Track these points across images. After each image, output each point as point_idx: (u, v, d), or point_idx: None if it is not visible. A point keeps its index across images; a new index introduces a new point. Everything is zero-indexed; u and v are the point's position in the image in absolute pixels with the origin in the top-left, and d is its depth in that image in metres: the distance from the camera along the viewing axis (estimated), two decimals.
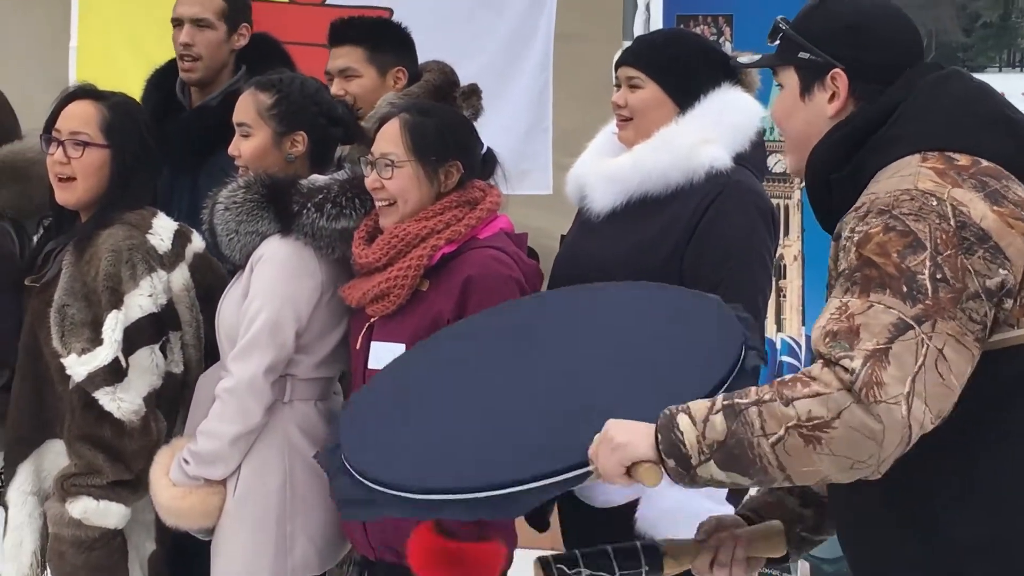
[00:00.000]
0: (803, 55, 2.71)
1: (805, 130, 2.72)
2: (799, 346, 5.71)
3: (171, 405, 3.80)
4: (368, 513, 2.89)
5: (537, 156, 5.58)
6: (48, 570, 3.82)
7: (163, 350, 3.76)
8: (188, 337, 3.84)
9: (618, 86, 3.75)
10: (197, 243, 3.84)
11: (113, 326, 3.65)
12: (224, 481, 3.68)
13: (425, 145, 3.56)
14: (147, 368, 3.71)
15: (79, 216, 3.84)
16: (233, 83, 4.51)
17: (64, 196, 3.80)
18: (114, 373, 3.65)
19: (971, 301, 2.42)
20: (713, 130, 3.63)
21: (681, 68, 3.67)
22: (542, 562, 2.75)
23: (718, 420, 2.42)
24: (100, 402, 3.65)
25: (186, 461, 3.64)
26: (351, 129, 3.88)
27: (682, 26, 5.59)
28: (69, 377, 3.69)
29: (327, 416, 3.75)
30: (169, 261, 3.78)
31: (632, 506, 3.48)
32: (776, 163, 5.23)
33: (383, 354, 3.53)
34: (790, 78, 2.75)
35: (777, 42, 2.79)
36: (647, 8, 5.60)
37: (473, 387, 2.96)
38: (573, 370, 2.91)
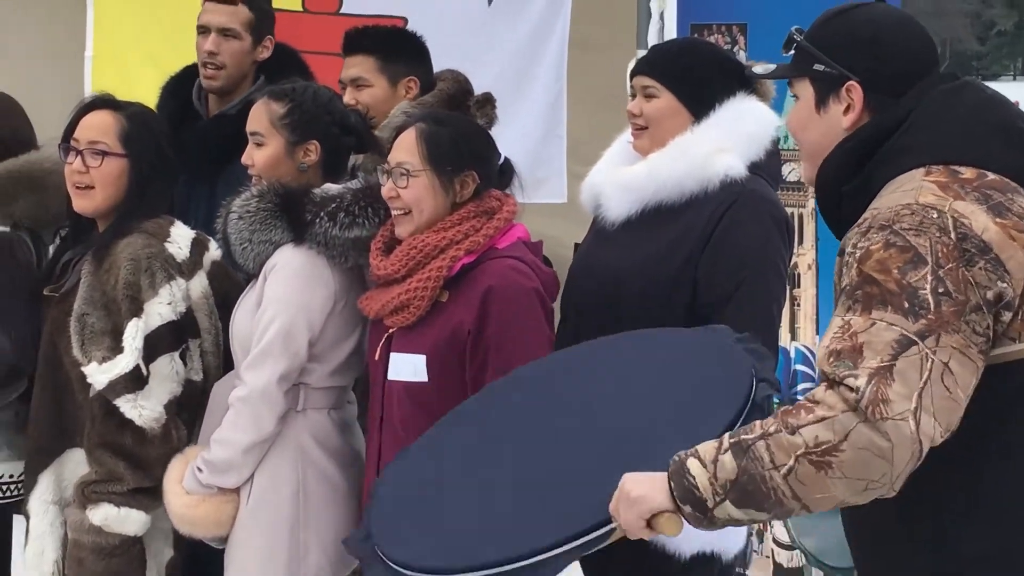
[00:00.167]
0: (818, 67, 2.71)
1: (821, 142, 2.72)
2: (813, 355, 5.70)
3: (192, 413, 3.80)
4: None
5: (551, 164, 5.59)
6: None
7: (183, 358, 3.77)
8: (207, 344, 3.86)
9: (633, 95, 3.75)
10: (214, 251, 3.85)
11: (133, 334, 3.66)
12: (237, 490, 3.68)
13: (440, 155, 3.56)
14: (167, 376, 3.73)
15: (96, 226, 3.85)
16: (252, 92, 4.52)
17: (82, 205, 3.81)
18: (135, 381, 3.66)
19: (974, 313, 2.42)
20: (728, 139, 3.63)
21: (696, 77, 3.67)
22: None
23: (727, 459, 2.42)
24: (121, 410, 3.67)
25: (199, 469, 3.64)
26: (364, 138, 3.88)
27: (696, 35, 5.60)
28: (89, 386, 3.70)
29: (340, 425, 3.76)
30: (188, 269, 3.79)
31: None
32: (791, 172, 5.22)
33: (403, 365, 3.54)
34: (805, 89, 2.75)
35: (792, 52, 2.79)
36: (661, 17, 5.60)
37: (496, 457, 2.98)
38: (591, 427, 2.92)
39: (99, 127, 3.80)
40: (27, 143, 4.15)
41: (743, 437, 2.43)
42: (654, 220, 3.63)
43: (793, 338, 5.69)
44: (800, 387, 5.68)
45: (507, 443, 3.00)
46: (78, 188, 3.80)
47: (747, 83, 3.66)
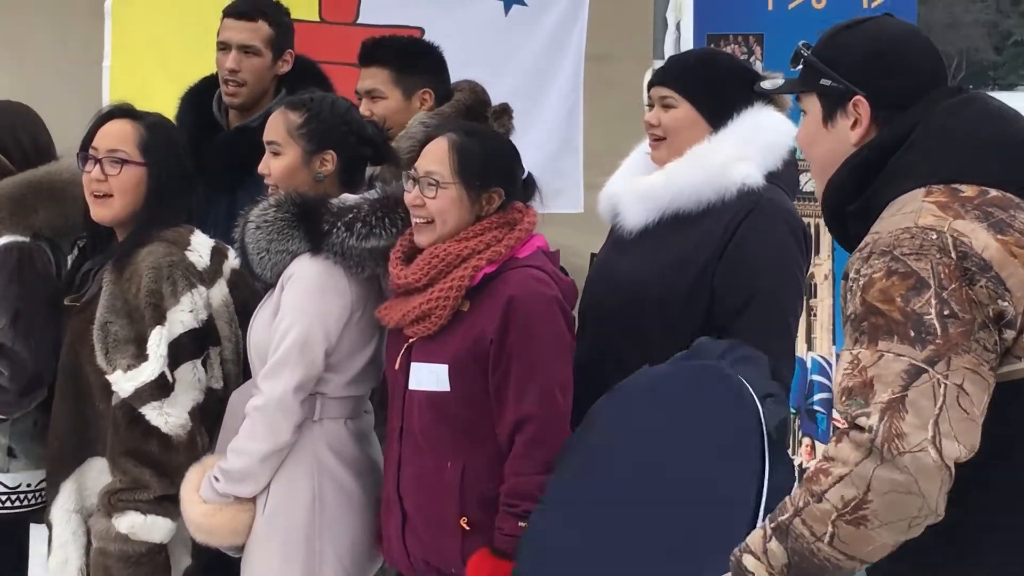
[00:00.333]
0: (825, 82, 2.70)
1: (829, 157, 2.71)
2: (829, 365, 5.70)
3: (213, 421, 3.81)
4: None
5: (567, 175, 5.58)
6: None
7: (204, 365, 3.78)
8: (227, 353, 3.87)
9: (651, 106, 3.76)
10: (234, 260, 3.86)
11: (158, 342, 3.67)
12: (254, 499, 3.68)
13: (471, 169, 3.55)
14: (190, 383, 3.74)
15: (114, 235, 3.86)
16: (273, 105, 4.53)
17: (100, 213, 3.82)
18: (161, 388, 3.68)
19: (982, 331, 2.42)
20: (745, 148, 3.63)
21: (714, 87, 3.67)
22: None
23: (775, 546, 2.46)
24: (147, 417, 3.68)
25: (216, 479, 3.65)
26: (381, 149, 3.89)
27: (712, 45, 5.60)
28: (111, 394, 3.71)
29: (357, 435, 3.76)
30: (208, 277, 3.80)
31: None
32: (807, 182, 5.21)
33: (425, 375, 3.54)
34: (813, 104, 2.74)
35: (800, 67, 2.79)
36: (678, 27, 5.61)
37: (610, 523, 3.18)
38: (642, 502, 3.15)
39: (118, 136, 3.82)
40: (46, 153, 4.16)
41: (780, 519, 2.47)
42: (671, 229, 3.64)
43: (810, 348, 5.69)
44: (817, 397, 5.67)
45: (612, 510, 3.18)
46: (96, 197, 3.81)
47: (765, 93, 3.66)
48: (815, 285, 5.62)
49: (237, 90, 4.60)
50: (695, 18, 5.64)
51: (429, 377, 3.52)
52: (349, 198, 3.73)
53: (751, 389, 3.06)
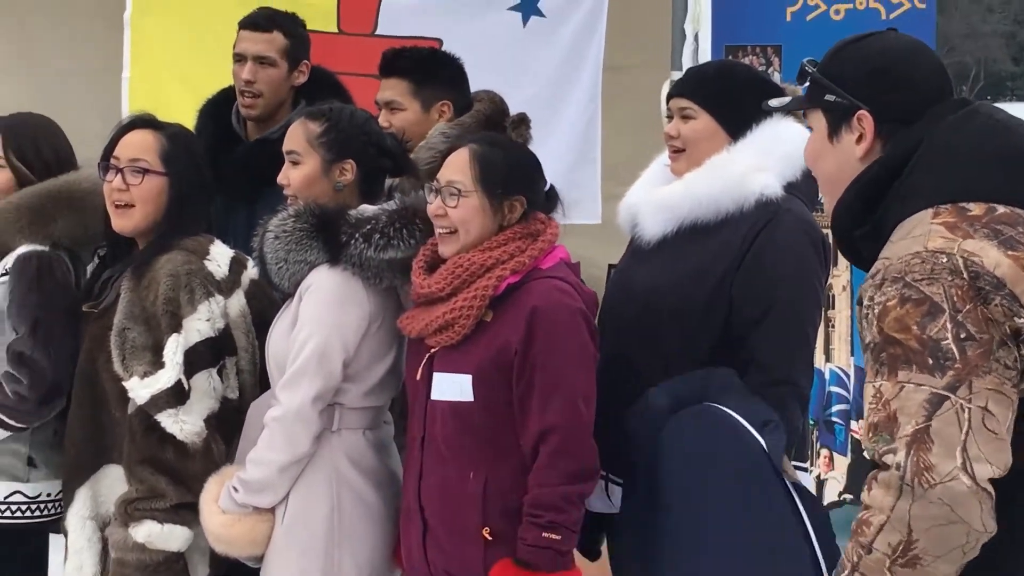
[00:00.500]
0: (829, 97, 2.70)
1: (836, 172, 2.71)
2: (847, 376, 5.69)
3: (228, 431, 3.82)
4: None
5: (585, 186, 5.58)
6: None
7: (220, 375, 3.79)
8: (244, 363, 3.88)
9: (670, 117, 3.76)
10: (252, 270, 3.87)
11: (174, 349, 3.68)
12: (273, 509, 3.68)
13: (493, 177, 3.56)
14: (205, 391, 3.75)
15: (135, 244, 3.88)
16: (292, 116, 4.54)
17: (121, 223, 3.84)
18: (177, 395, 3.68)
19: (1001, 349, 2.41)
20: (764, 159, 3.63)
21: (733, 98, 3.67)
22: None
23: None
24: (163, 424, 3.68)
25: (235, 489, 3.65)
26: (400, 160, 3.89)
27: (730, 57, 5.60)
28: (127, 402, 3.72)
29: (376, 445, 3.76)
30: (226, 287, 3.82)
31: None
32: None
33: (448, 385, 3.53)
34: (819, 120, 2.75)
35: (806, 84, 2.79)
36: (695, 39, 5.60)
37: None
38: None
39: (140, 145, 3.84)
40: (67, 164, 4.18)
41: None
42: (689, 239, 3.64)
43: (828, 359, 5.68)
44: (835, 408, 5.66)
45: None
46: (117, 207, 3.82)
47: (773, 111, 3.66)
48: (833, 296, 5.61)
49: (254, 101, 4.62)
50: (713, 29, 5.63)
51: (452, 387, 3.52)
52: (368, 209, 3.73)
53: (746, 424, 3.16)
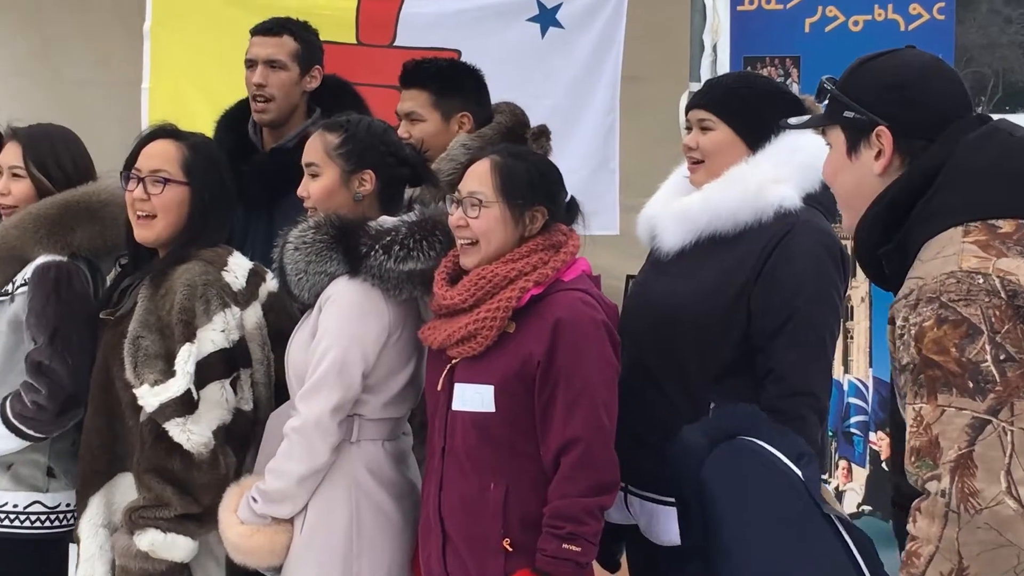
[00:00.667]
0: (848, 114, 2.70)
1: (855, 189, 2.71)
2: (866, 387, 5.67)
3: (241, 442, 3.82)
4: None
5: (604, 196, 5.58)
6: None
7: (233, 386, 3.79)
8: (258, 375, 3.87)
9: (689, 129, 3.76)
10: (271, 283, 3.87)
11: (186, 359, 3.68)
12: (291, 520, 3.69)
13: (513, 187, 3.57)
14: (217, 402, 3.74)
15: (156, 254, 3.88)
16: (308, 125, 4.55)
17: (143, 234, 3.84)
18: (185, 405, 3.68)
19: None
20: (783, 170, 3.63)
21: (752, 110, 3.67)
22: None
23: None
24: (170, 433, 3.69)
25: (254, 499, 3.65)
26: (419, 170, 3.89)
27: (749, 68, 5.59)
28: (140, 410, 3.72)
29: (395, 456, 3.76)
30: (243, 298, 3.82)
31: (696, 544, 3.49)
32: None
33: (469, 395, 3.53)
34: (837, 137, 2.74)
35: (825, 101, 2.79)
36: (714, 50, 5.59)
37: None
38: None
39: (161, 156, 3.84)
40: (87, 175, 4.20)
41: None
42: (708, 250, 3.64)
43: (846, 371, 5.66)
44: (853, 419, 5.65)
45: None
46: (140, 217, 3.83)
47: (802, 114, 3.66)
48: (851, 307, 5.60)
49: (265, 106, 4.64)
50: (731, 40, 5.63)
51: (474, 398, 3.52)
52: (387, 220, 3.73)
53: (782, 457, 3.19)
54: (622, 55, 5.66)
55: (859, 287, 5.60)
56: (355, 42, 5.79)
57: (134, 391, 3.71)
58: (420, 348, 3.72)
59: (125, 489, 3.83)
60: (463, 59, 5.10)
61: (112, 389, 3.82)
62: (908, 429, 2.46)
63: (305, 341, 3.69)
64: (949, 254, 2.49)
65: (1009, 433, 2.36)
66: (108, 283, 4.10)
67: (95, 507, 3.87)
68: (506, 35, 5.71)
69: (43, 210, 4.09)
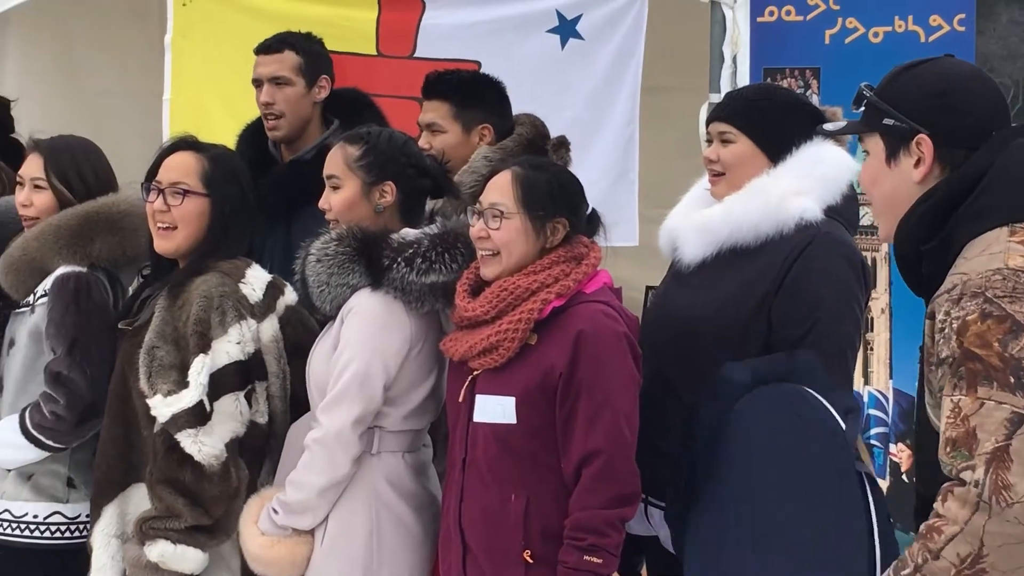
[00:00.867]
0: (888, 121, 2.70)
1: (892, 196, 2.72)
2: (886, 399, 5.66)
3: (255, 455, 3.82)
4: None
5: (623, 208, 5.58)
6: None
7: (248, 399, 3.79)
8: (274, 388, 3.87)
9: (709, 141, 3.76)
10: (290, 296, 3.88)
11: (199, 370, 3.69)
12: (312, 531, 3.69)
13: (535, 199, 3.57)
14: (230, 415, 3.75)
15: (177, 265, 3.89)
16: (326, 137, 4.57)
17: (164, 246, 3.86)
18: (197, 416, 3.69)
19: None
20: (804, 182, 3.63)
21: (773, 122, 3.67)
22: None
23: None
24: (182, 444, 3.69)
25: (275, 511, 3.66)
26: (440, 181, 3.89)
27: (769, 79, 5.59)
28: (154, 419, 3.73)
29: (415, 468, 3.76)
30: (260, 311, 3.82)
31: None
32: (864, 215, 5.20)
33: (491, 407, 3.53)
34: (875, 144, 2.75)
35: (862, 108, 2.79)
36: (734, 61, 5.59)
37: None
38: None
39: (182, 168, 3.85)
40: (107, 185, 4.21)
41: (903, 574, 2.48)
42: (729, 262, 3.64)
43: (867, 382, 5.65)
44: (874, 431, 5.64)
45: None
46: (160, 228, 3.84)
47: (828, 135, 3.65)
48: (872, 319, 5.59)
49: (276, 123, 4.67)
50: (751, 52, 5.63)
51: (496, 409, 3.52)
52: (409, 233, 3.74)
53: (829, 407, 3.14)
54: (642, 66, 5.66)
55: (879, 298, 5.59)
56: (375, 53, 5.81)
57: (147, 401, 3.72)
58: (441, 360, 3.72)
59: (139, 500, 3.84)
60: (483, 70, 5.10)
61: (129, 399, 3.83)
62: (944, 420, 2.47)
63: (327, 353, 3.69)
64: (995, 251, 2.51)
65: None
66: (129, 293, 4.11)
67: (108, 517, 3.87)
68: (526, 46, 5.71)
69: (63, 221, 4.10)
